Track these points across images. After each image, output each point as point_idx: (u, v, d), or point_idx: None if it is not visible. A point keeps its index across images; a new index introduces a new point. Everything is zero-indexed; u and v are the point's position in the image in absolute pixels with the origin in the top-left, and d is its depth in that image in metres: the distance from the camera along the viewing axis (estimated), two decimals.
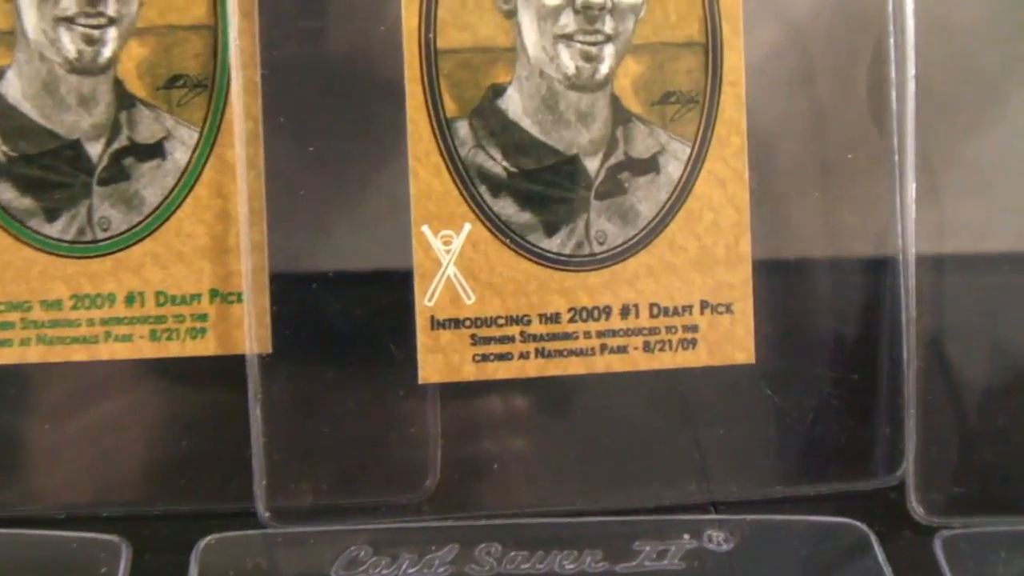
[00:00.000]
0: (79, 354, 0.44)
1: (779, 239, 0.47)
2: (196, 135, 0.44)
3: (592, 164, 0.46)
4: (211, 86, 0.44)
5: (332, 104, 0.45)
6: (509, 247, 0.45)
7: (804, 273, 0.47)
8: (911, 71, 0.46)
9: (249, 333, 0.44)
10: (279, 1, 0.44)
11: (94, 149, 0.44)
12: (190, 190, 0.44)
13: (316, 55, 0.45)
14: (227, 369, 0.44)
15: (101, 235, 0.44)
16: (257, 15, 0.44)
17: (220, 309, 0.45)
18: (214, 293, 0.45)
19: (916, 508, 0.46)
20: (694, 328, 0.46)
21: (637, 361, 0.46)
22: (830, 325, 0.48)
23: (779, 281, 0.47)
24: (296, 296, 0.45)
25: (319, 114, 0.45)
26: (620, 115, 0.46)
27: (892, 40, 0.47)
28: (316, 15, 0.45)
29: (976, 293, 0.48)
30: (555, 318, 0.45)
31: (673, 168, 0.46)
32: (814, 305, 0.48)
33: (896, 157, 0.47)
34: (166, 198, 0.44)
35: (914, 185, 0.47)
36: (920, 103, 0.46)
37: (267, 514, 0.44)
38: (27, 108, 0.43)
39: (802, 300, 0.47)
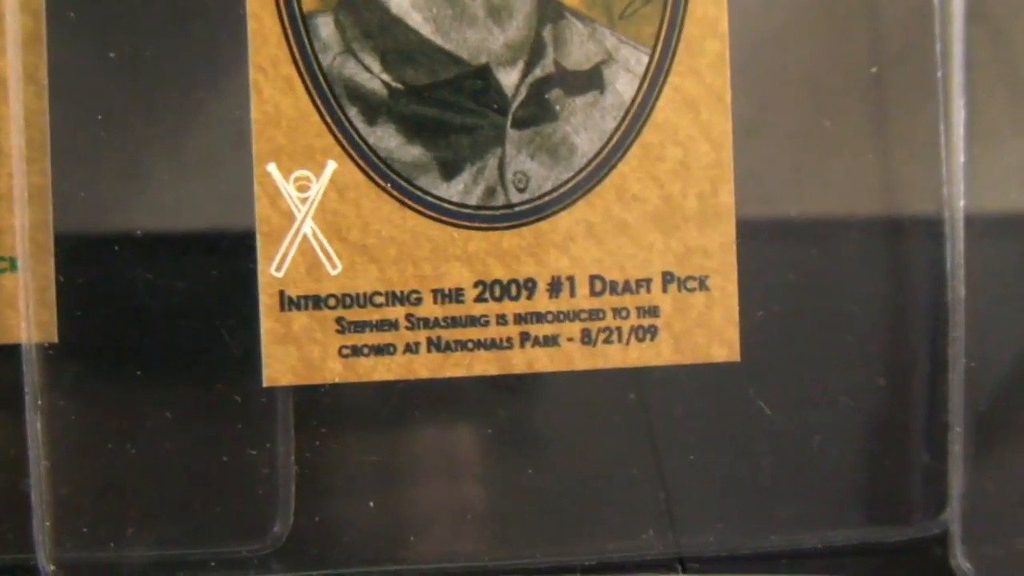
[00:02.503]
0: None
1: (775, 188, 0.42)
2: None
3: (509, 78, 0.40)
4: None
5: None
6: (391, 194, 0.39)
7: (810, 236, 0.42)
8: None
9: (26, 315, 0.40)
10: None
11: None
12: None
13: None
14: None
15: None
16: None
17: None
18: None
19: (963, 566, 0.43)
20: (654, 311, 0.40)
21: (573, 357, 0.40)
22: (845, 309, 0.42)
23: (774, 247, 0.42)
24: (91, 264, 0.41)
25: (124, 8, 0.40)
26: (549, 9, 0.40)
27: None
28: None
29: None
30: (456, 295, 0.40)
31: (624, 84, 0.40)
32: (823, 281, 0.43)
33: (940, 74, 0.41)
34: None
35: (964, 114, 0.41)
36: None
37: (51, 568, 0.41)
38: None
39: (806, 274, 0.42)
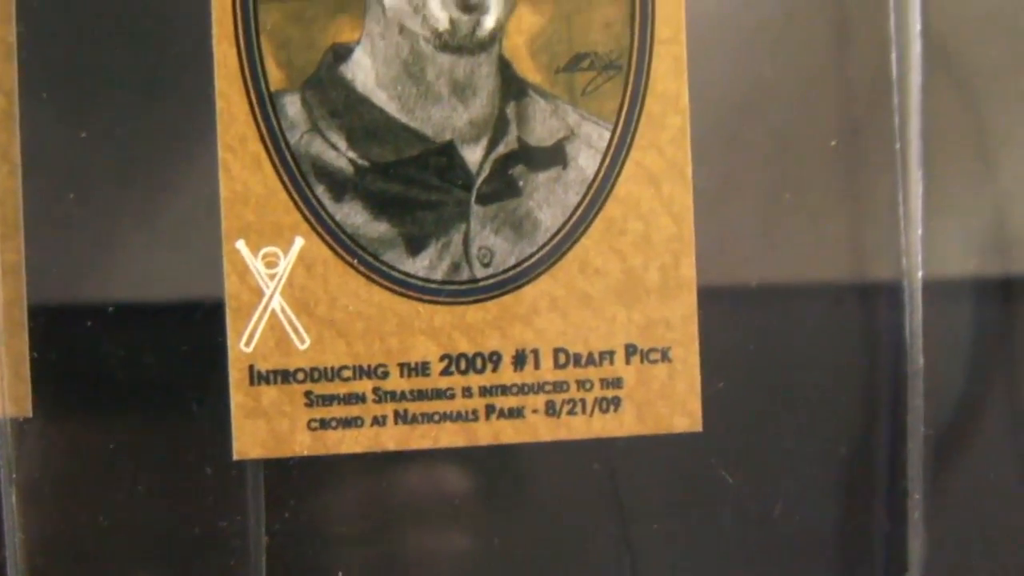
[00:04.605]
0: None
1: (735, 258, 0.42)
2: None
3: (473, 154, 0.41)
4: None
5: (113, 74, 0.41)
6: (357, 270, 0.40)
7: (769, 305, 0.43)
8: (916, 25, 0.41)
9: (0, 389, 0.41)
10: None
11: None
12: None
13: (91, 6, 0.41)
14: None
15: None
16: None
17: None
18: None
19: None
20: (617, 383, 0.41)
21: (538, 429, 0.41)
22: (806, 377, 0.43)
23: (735, 317, 0.42)
24: (65, 338, 0.41)
25: (95, 87, 0.41)
26: (512, 86, 0.41)
27: None
28: None
29: (1007, 331, 0.44)
30: (422, 369, 0.40)
31: (586, 160, 0.41)
32: (784, 349, 0.43)
33: (897, 147, 0.42)
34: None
35: (921, 184, 0.42)
36: (930, 71, 0.41)
37: None
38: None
39: (766, 343, 0.43)
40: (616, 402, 0.40)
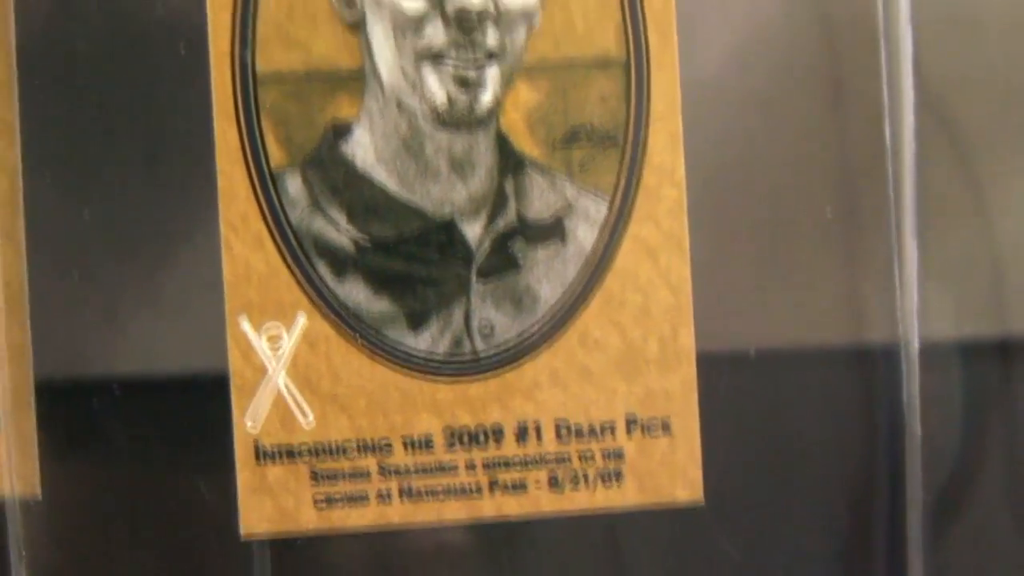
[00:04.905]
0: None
1: (733, 328, 0.42)
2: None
3: (473, 230, 0.41)
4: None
5: (115, 153, 0.41)
6: (360, 347, 0.40)
7: (768, 372, 0.43)
8: (909, 95, 0.42)
9: (8, 470, 0.40)
10: (39, 15, 0.41)
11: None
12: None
13: (93, 86, 0.41)
14: None
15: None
16: (12, 33, 0.40)
17: None
18: None
19: None
20: (618, 454, 0.41)
21: (540, 502, 0.41)
22: (804, 444, 0.43)
23: (734, 386, 0.42)
24: (71, 418, 0.41)
25: (98, 167, 0.41)
26: (510, 162, 0.41)
27: (884, 54, 0.42)
28: (91, 33, 0.41)
29: (1003, 393, 0.44)
30: (426, 444, 0.40)
31: (584, 233, 0.41)
32: (781, 417, 0.43)
33: (892, 214, 0.42)
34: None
35: (916, 250, 0.42)
36: (923, 139, 0.42)
37: None
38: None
39: (767, 412, 0.43)
40: (618, 474, 0.41)
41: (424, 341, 0.40)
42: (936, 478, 0.42)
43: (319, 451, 0.40)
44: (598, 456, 0.41)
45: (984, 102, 0.43)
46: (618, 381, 0.41)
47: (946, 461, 0.43)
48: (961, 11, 0.42)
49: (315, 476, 0.40)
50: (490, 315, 0.41)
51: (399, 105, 0.40)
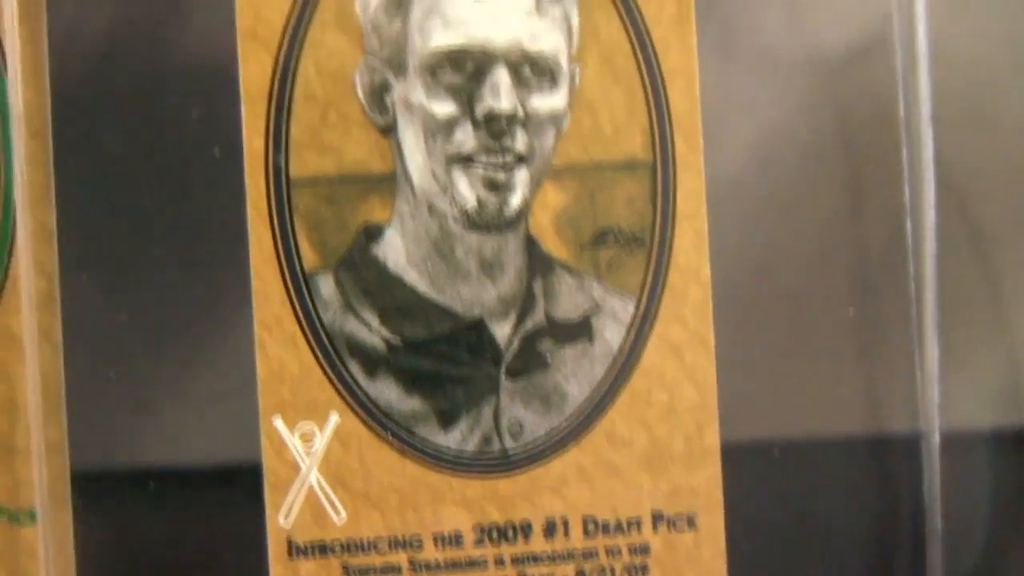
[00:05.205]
0: None
1: (757, 424, 0.42)
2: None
3: (502, 330, 0.41)
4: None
5: (150, 255, 0.41)
6: (391, 445, 0.40)
7: (792, 467, 0.43)
8: (930, 195, 0.42)
9: (45, 567, 0.41)
10: (76, 119, 0.41)
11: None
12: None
13: (129, 190, 0.41)
14: None
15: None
16: (50, 137, 0.41)
17: (5, 532, 0.41)
18: None
19: None
20: (644, 549, 0.41)
21: None
22: (828, 537, 0.43)
23: (759, 482, 0.42)
24: (107, 513, 0.41)
25: (134, 269, 0.41)
26: (539, 262, 0.41)
27: (905, 153, 0.42)
28: (127, 136, 0.41)
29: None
30: (456, 540, 0.41)
31: (612, 333, 0.41)
32: (806, 510, 0.43)
33: (913, 310, 0.42)
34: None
35: (937, 345, 0.42)
36: (944, 236, 0.42)
37: None
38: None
39: (791, 506, 0.43)
40: (644, 569, 0.41)
41: (454, 439, 0.41)
42: (958, 569, 0.42)
43: (351, 547, 0.40)
44: (625, 551, 0.41)
45: (1004, 199, 0.43)
46: (644, 477, 0.41)
47: (968, 551, 0.43)
48: (982, 110, 0.42)
49: (347, 571, 0.40)
50: (519, 414, 0.41)
51: (430, 208, 0.40)
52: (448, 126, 0.40)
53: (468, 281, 0.41)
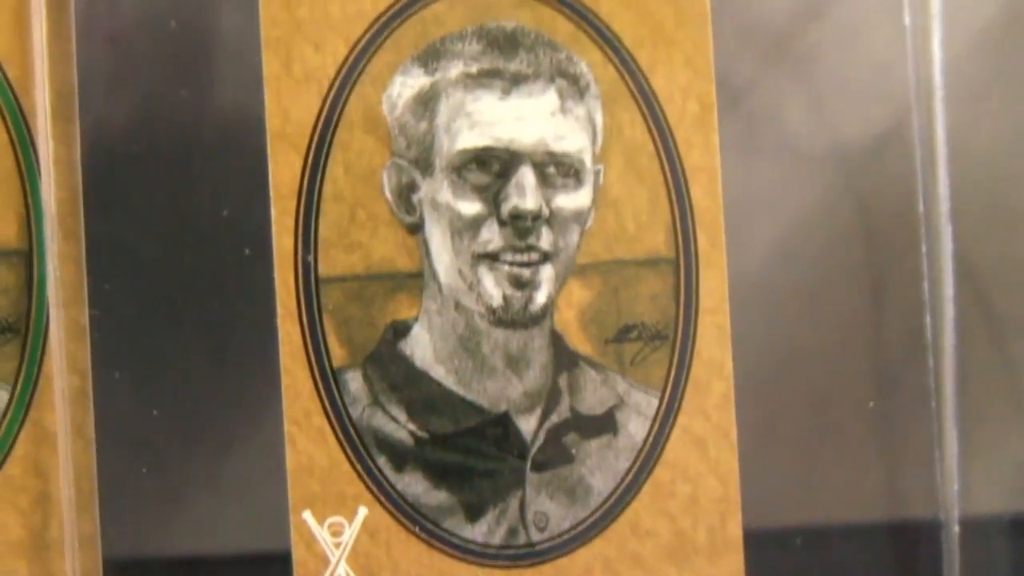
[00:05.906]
0: None
1: (780, 514, 0.43)
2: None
3: (527, 424, 0.42)
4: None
5: (182, 352, 0.42)
6: (419, 537, 0.41)
7: (814, 557, 0.44)
8: (949, 290, 0.43)
9: None
10: (108, 217, 0.41)
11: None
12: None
13: (160, 289, 0.42)
14: None
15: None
16: (83, 237, 0.41)
17: None
18: None
19: None
20: None
21: None
22: None
23: (781, 571, 0.43)
24: None
25: (165, 365, 0.42)
26: (564, 358, 0.42)
27: (925, 248, 0.43)
28: (160, 237, 0.42)
29: None
30: None
31: (636, 426, 0.42)
32: None
33: (933, 402, 0.43)
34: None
35: (956, 438, 0.43)
36: (962, 329, 0.43)
37: None
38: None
39: None
40: None
41: (480, 531, 0.41)
42: None
43: None
44: None
45: (1022, 293, 0.44)
46: (668, 568, 0.42)
47: None
48: (1000, 204, 0.43)
49: None
50: (545, 506, 0.42)
51: (456, 305, 0.41)
52: (474, 224, 0.41)
53: (494, 376, 0.41)
